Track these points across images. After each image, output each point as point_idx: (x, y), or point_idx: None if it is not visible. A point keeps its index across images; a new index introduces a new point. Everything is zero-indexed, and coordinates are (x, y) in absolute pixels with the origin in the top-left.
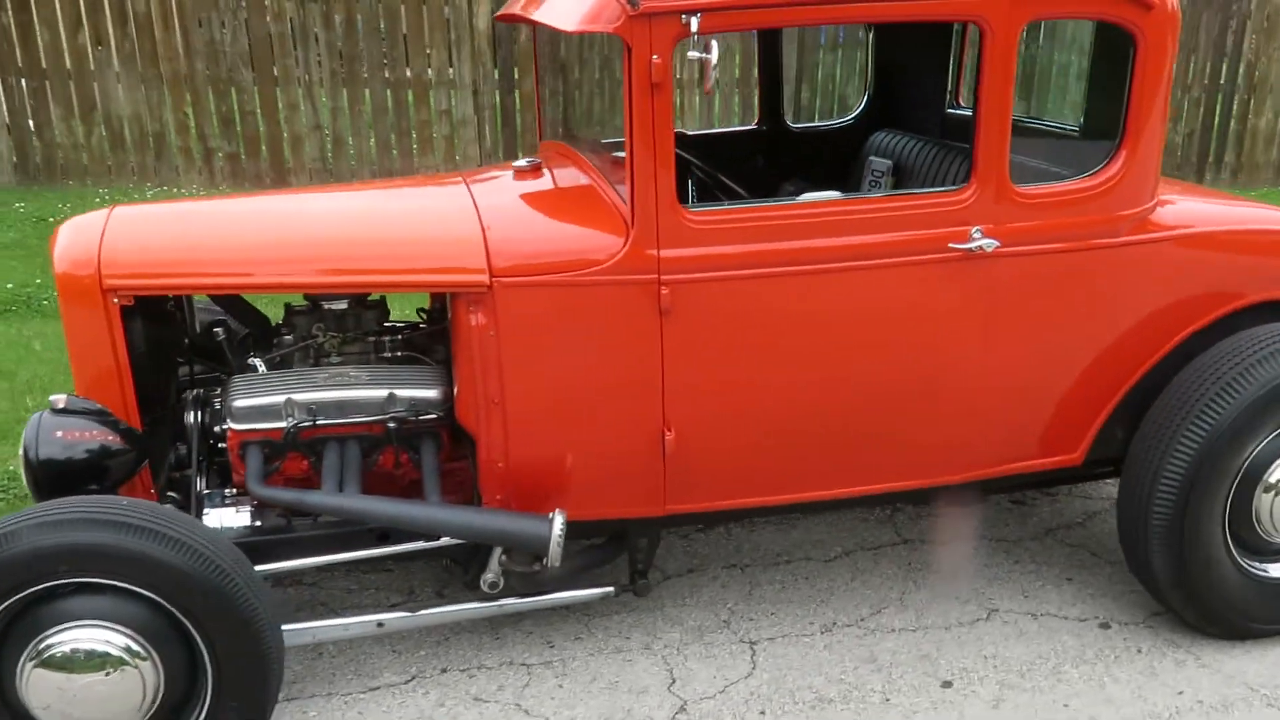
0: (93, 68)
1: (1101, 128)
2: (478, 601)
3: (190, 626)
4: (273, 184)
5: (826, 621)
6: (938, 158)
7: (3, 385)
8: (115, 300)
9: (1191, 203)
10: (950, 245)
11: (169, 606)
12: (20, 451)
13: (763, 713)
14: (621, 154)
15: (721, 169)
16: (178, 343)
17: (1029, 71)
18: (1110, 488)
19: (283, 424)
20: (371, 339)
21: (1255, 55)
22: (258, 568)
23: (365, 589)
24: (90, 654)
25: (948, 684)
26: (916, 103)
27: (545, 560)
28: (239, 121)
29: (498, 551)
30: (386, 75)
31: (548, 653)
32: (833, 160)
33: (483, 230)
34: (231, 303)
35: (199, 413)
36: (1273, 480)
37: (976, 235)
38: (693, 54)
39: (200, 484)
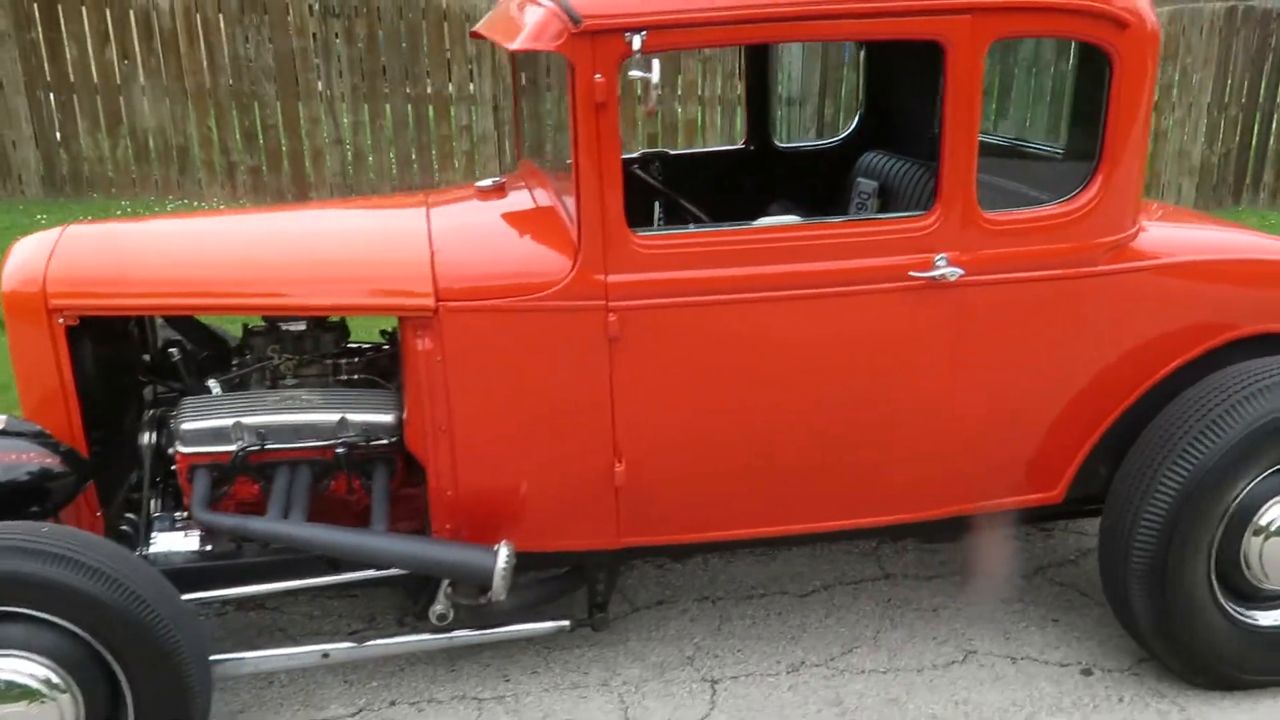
0: (119, 82)
1: (1080, 151)
2: (429, 634)
3: (110, 658)
4: (294, 198)
5: (794, 660)
6: (924, 180)
7: None
8: (61, 320)
9: (1177, 230)
10: (911, 274)
11: (88, 637)
12: None
13: None
14: None
15: (707, 190)
16: (135, 364)
17: (1014, 90)
18: None
19: (231, 447)
20: (330, 361)
21: None
22: (207, 594)
23: (327, 615)
24: (9, 685)
25: None
26: (907, 124)
27: (490, 593)
28: (261, 135)
29: (445, 583)
30: (407, 90)
31: (502, 687)
32: (821, 181)
33: (431, 254)
34: (185, 324)
35: (154, 434)
36: (1263, 523)
37: (941, 263)
38: (634, 73)
39: (156, 506)
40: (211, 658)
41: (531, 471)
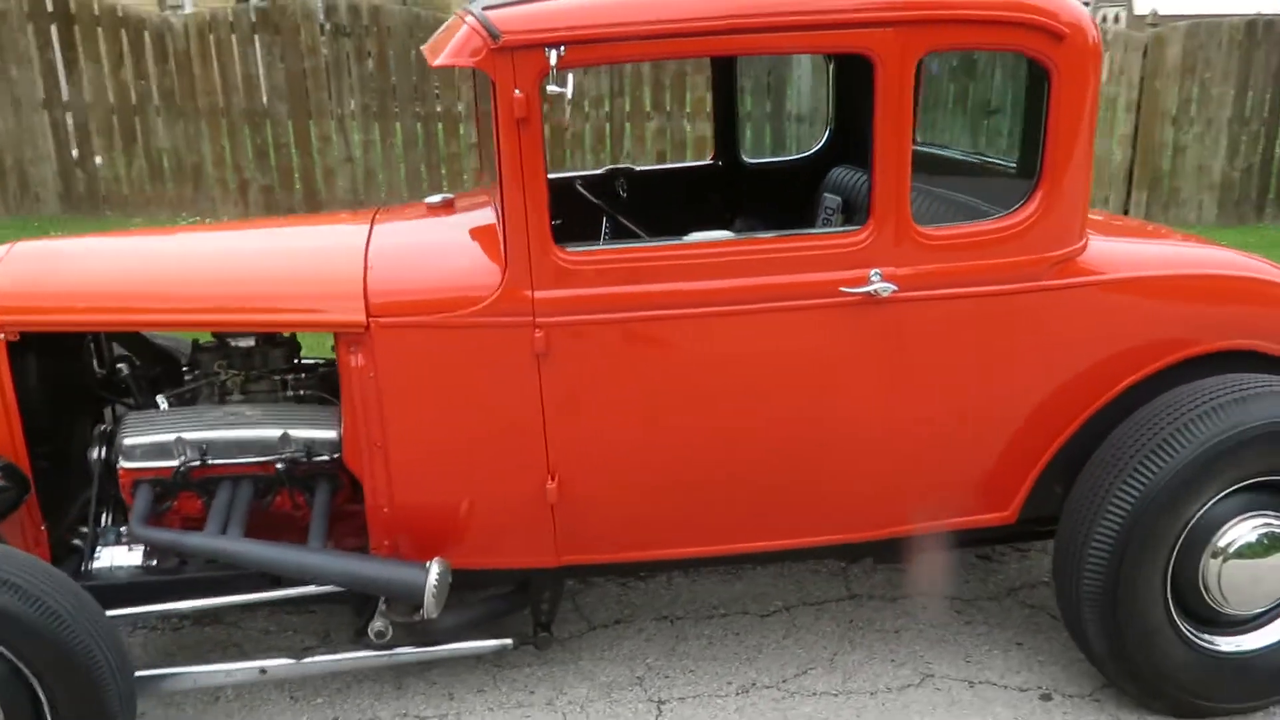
0: (134, 102)
1: (1025, 165)
2: (369, 651)
3: (28, 673)
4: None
5: (745, 682)
6: None
7: None
8: (2, 336)
9: (1128, 245)
10: (842, 290)
11: (3, 651)
12: None
13: None
14: None
15: (674, 205)
16: (89, 381)
17: (974, 102)
18: None
19: (173, 462)
20: (278, 377)
21: None
22: (150, 608)
23: (284, 630)
24: None
25: None
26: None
27: (422, 611)
28: (273, 154)
29: (382, 600)
30: (417, 109)
31: (445, 705)
32: (790, 197)
33: (365, 270)
34: (132, 340)
35: (103, 450)
36: (1221, 545)
37: (875, 278)
38: (551, 88)
39: (105, 520)
40: (138, 673)
41: (466, 488)
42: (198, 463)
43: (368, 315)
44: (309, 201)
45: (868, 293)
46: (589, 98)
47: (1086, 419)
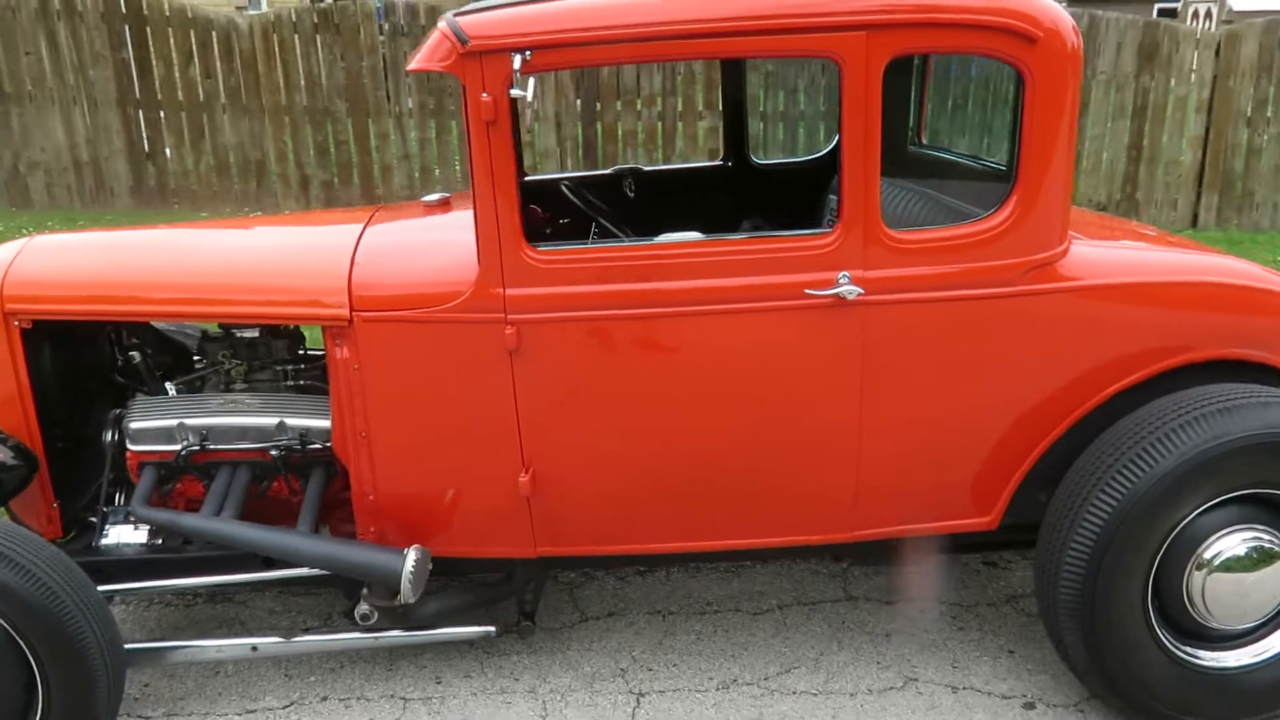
0: (202, 99)
1: (1005, 168)
2: (356, 633)
3: (21, 643)
4: None
5: (727, 678)
6: (894, 198)
7: None
8: (16, 324)
9: (1113, 251)
10: (807, 291)
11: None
12: None
13: None
14: None
15: (683, 205)
16: (107, 367)
17: (968, 103)
18: None
19: (175, 447)
20: (281, 367)
21: None
22: (152, 584)
23: (288, 610)
24: None
25: None
26: (882, 141)
27: (399, 596)
28: (334, 151)
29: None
30: None
31: (431, 689)
32: (798, 197)
33: (351, 265)
34: (141, 330)
35: (114, 433)
36: (1207, 557)
37: (843, 281)
38: (514, 92)
39: (118, 500)
40: (133, 646)
41: (447, 479)
42: (198, 447)
43: (351, 309)
44: (367, 197)
45: (835, 295)
46: (642, 96)
47: (1070, 427)
